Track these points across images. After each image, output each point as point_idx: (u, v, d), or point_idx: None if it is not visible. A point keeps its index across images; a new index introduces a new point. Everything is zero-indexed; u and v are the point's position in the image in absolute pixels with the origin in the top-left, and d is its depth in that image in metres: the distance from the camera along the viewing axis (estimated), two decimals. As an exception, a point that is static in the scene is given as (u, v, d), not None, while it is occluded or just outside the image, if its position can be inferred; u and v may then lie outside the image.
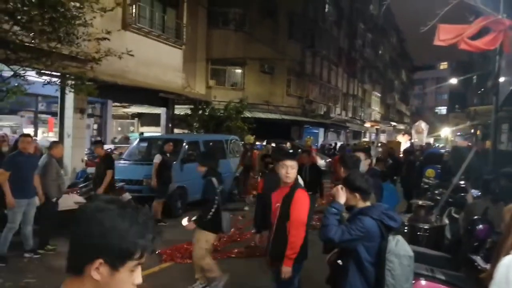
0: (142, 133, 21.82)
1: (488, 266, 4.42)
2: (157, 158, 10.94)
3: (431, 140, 48.99)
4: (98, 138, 15.98)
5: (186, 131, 20.15)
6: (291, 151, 13.73)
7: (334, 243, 3.61)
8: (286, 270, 4.34)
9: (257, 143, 19.82)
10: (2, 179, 6.75)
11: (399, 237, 3.53)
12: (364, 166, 6.15)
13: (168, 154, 11.21)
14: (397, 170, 12.50)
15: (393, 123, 67.96)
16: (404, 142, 40.12)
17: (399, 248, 3.44)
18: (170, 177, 11.04)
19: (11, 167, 7.13)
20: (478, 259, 4.88)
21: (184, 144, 12.64)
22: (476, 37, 9.27)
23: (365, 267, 3.49)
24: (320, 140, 38.19)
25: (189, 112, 20.35)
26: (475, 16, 9.54)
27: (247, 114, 22.07)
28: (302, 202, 4.42)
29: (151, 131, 22.44)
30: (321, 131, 39.24)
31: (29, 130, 13.49)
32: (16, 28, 8.09)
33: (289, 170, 4.53)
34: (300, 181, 5.49)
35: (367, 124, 55.00)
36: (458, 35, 8.45)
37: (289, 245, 4.33)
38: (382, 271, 3.42)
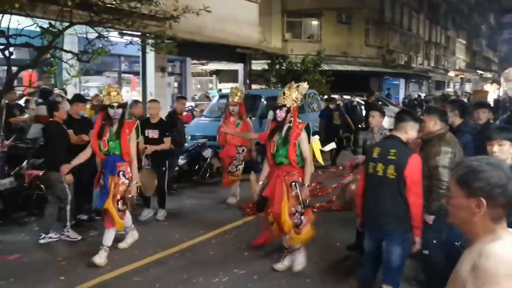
0: (220, 90, 22.04)
1: None
2: None
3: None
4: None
5: (263, 86, 20.09)
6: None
7: None
8: None
9: None
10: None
11: None
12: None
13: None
14: None
15: (480, 72, 63.81)
16: (492, 92, 37.67)
17: None
18: None
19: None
20: None
21: (263, 99, 12.60)
22: None
23: None
24: (401, 91, 36.76)
25: (266, 67, 20.21)
26: None
27: (325, 67, 21.54)
28: None
29: (229, 88, 22.60)
30: (402, 82, 37.72)
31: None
32: (98, -11, 8.25)
33: None
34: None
35: (451, 73, 52.11)
36: None
37: None
38: None
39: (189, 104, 16.26)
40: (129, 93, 15.17)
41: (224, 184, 8.68)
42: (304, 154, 5.17)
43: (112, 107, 5.62)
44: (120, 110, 5.68)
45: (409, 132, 4.10)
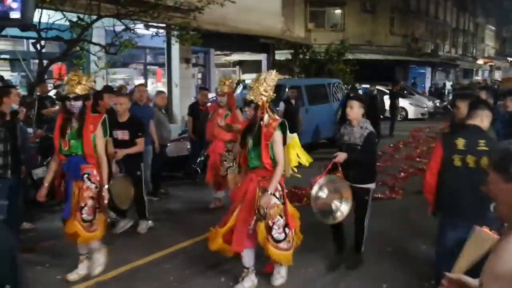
0: (243, 81, 22.10)
1: None
2: None
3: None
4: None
5: (287, 76, 20.07)
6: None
7: None
8: None
9: None
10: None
11: None
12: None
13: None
14: None
15: (510, 59, 62.32)
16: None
17: None
18: None
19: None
20: None
21: (286, 89, 12.61)
22: None
23: None
24: (427, 80, 36.20)
25: (289, 57, 20.18)
26: None
27: (349, 56, 21.40)
28: None
29: (252, 79, 22.62)
30: (428, 71, 37.09)
31: (140, 82, 14.25)
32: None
33: None
34: None
35: (480, 61, 51.06)
36: None
37: None
38: None
39: (213, 95, 16.36)
40: (154, 84, 15.37)
41: (208, 181, 7.57)
42: (276, 157, 4.44)
43: (68, 99, 4.69)
44: (78, 103, 4.69)
45: (484, 120, 4.00)
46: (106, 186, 4.81)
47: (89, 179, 4.76)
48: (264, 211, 4.43)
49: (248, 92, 4.52)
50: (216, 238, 4.59)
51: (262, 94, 4.43)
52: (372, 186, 5.16)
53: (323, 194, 4.83)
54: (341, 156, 4.84)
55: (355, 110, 5.02)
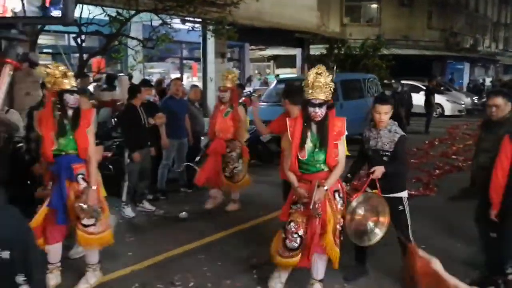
0: (278, 75, 22.17)
1: None
2: None
3: None
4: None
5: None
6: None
7: None
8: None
9: None
10: (160, 122, 7.34)
11: None
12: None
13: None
14: None
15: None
16: None
17: None
18: None
19: (165, 110, 7.71)
20: None
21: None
22: None
23: None
24: (466, 76, 35.33)
25: (324, 51, 20.07)
26: None
27: (384, 51, 21.14)
28: None
29: (286, 73, 22.63)
30: (466, 66, 36.21)
31: (176, 76, 14.47)
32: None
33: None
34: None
35: (521, 57, 49.48)
36: None
37: None
38: None
39: (247, 89, 16.47)
40: (190, 79, 15.60)
41: (198, 182, 7.20)
42: (339, 157, 4.12)
43: (72, 92, 4.30)
44: (79, 97, 4.44)
45: None
46: (95, 187, 4.38)
47: (84, 180, 4.41)
48: (315, 208, 4.00)
49: (314, 91, 3.96)
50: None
51: (331, 91, 4.02)
52: (404, 194, 4.59)
53: (360, 212, 4.32)
54: (379, 171, 4.31)
55: (387, 116, 4.46)
